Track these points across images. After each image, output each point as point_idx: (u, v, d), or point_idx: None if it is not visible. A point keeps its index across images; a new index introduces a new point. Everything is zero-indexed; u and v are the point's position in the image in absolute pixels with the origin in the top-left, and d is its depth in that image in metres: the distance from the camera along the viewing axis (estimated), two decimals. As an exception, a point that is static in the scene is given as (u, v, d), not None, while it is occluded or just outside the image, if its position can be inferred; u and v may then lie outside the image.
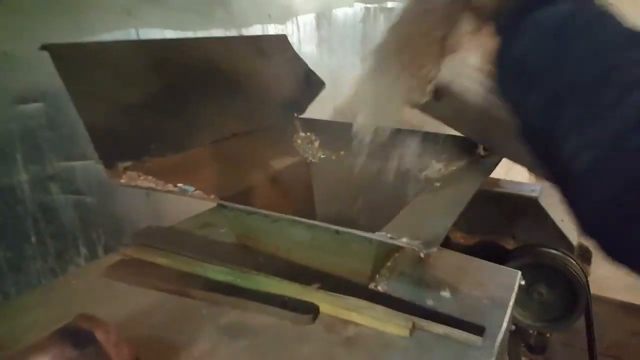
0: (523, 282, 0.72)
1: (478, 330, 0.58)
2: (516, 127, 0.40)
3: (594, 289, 1.06)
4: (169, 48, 0.85)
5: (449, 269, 0.74)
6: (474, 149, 0.85)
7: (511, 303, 0.66)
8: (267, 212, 0.63)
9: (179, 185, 0.74)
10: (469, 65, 0.53)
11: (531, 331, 1.15)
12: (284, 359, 0.57)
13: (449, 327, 0.59)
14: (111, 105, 0.73)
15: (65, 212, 0.87)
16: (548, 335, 1.19)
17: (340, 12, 1.67)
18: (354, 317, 0.62)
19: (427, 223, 0.58)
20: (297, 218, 0.62)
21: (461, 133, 0.81)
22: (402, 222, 0.63)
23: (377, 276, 0.72)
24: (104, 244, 0.95)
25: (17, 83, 0.77)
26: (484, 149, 0.85)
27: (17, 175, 0.79)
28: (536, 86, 0.37)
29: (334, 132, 1.01)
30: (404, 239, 0.53)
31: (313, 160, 1.03)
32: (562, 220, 1.17)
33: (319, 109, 1.10)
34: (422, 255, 0.52)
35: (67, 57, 0.68)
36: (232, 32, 1.13)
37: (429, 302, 0.66)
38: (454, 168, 0.85)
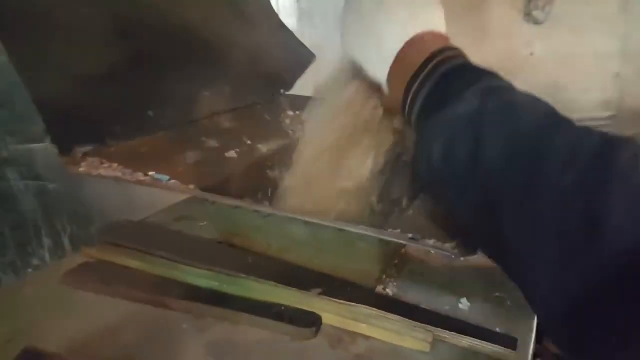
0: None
1: (509, 342, 0.50)
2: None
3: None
4: (137, 7, 0.72)
5: (463, 264, 0.66)
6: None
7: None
8: (260, 207, 0.52)
9: (151, 173, 0.63)
10: None
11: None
12: (284, 384, 0.48)
13: (475, 340, 0.50)
14: (65, 76, 0.61)
15: (25, 200, 0.78)
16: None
17: (322, -17, 1.55)
18: (363, 329, 0.53)
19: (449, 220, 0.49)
20: (293, 215, 0.53)
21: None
22: (419, 217, 0.54)
23: (384, 276, 0.63)
24: (70, 235, 0.86)
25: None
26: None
27: (-33, 159, 0.67)
28: (467, 190, 0.36)
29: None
30: (431, 242, 0.44)
31: (304, 142, 0.92)
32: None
33: (297, 87, 1.00)
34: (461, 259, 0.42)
35: (8, 18, 0.55)
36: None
37: (446, 308, 0.57)
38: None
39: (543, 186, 0.30)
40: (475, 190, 0.35)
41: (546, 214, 0.30)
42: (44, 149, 0.76)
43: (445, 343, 0.52)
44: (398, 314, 0.54)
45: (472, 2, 0.70)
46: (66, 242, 0.85)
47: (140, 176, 0.62)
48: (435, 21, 0.46)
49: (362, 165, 0.57)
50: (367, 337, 0.53)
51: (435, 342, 0.51)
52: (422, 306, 0.58)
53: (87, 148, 0.63)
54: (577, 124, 0.33)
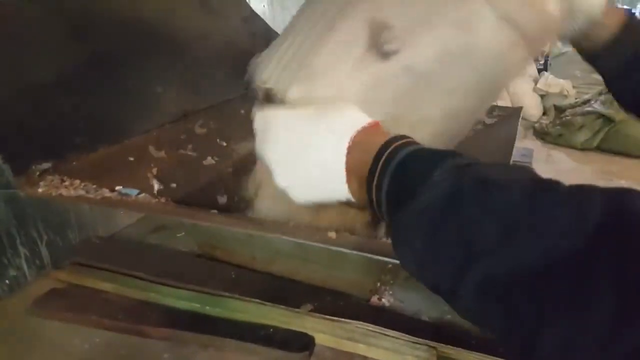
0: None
1: (520, 355, 0.46)
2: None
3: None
4: (94, 4, 0.65)
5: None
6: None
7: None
8: (251, 230, 0.47)
9: (118, 188, 0.57)
10: None
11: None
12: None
13: (483, 355, 0.46)
14: (14, 86, 0.55)
15: None
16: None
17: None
18: (360, 349, 0.49)
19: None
20: (278, 235, 0.48)
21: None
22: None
23: (379, 284, 0.59)
24: (47, 242, 0.80)
25: None
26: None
27: None
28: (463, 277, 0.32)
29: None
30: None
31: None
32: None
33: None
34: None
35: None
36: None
37: (448, 317, 0.53)
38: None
39: (547, 262, 0.28)
40: (474, 276, 0.31)
41: (557, 293, 0.27)
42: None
43: (450, 359, 0.48)
44: (397, 329, 0.50)
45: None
46: (43, 250, 0.80)
47: (105, 192, 0.56)
48: (358, 117, 0.45)
49: None
50: (365, 358, 0.49)
51: (439, 358, 0.47)
52: (423, 317, 0.53)
53: (46, 165, 0.57)
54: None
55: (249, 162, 0.67)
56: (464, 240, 0.32)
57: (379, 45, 0.49)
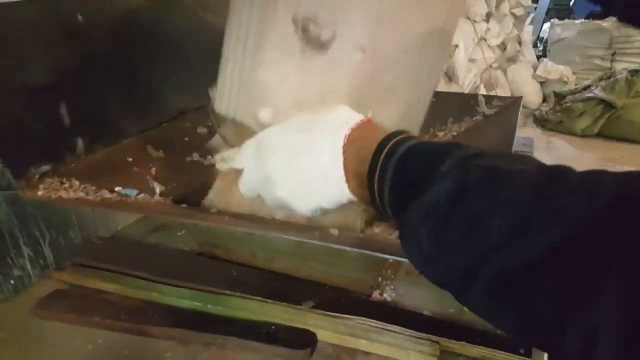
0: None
1: (523, 347, 0.46)
2: None
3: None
4: (89, 6, 0.64)
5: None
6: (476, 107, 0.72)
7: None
8: (237, 226, 0.47)
9: (117, 189, 0.57)
10: None
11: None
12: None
13: (486, 348, 0.46)
14: (10, 88, 0.54)
15: None
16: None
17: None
18: (363, 344, 0.49)
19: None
20: (279, 234, 0.48)
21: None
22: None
23: (380, 279, 0.59)
24: (50, 242, 0.80)
25: None
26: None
27: None
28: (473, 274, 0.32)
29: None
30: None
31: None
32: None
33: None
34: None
35: None
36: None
37: (451, 311, 0.53)
38: (455, 134, 0.71)
39: (559, 255, 0.27)
40: (486, 272, 0.31)
41: (572, 285, 0.27)
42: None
43: (454, 354, 0.48)
44: (399, 324, 0.50)
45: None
46: (46, 249, 0.81)
47: (105, 193, 0.56)
48: (349, 115, 0.45)
49: None
50: (367, 354, 0.49)
51: (442, 353, 0.47)
52: (425, 312, 0.53)
53: (45, 168, 0.57)
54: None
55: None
56: (474, 235, 0.32)
57: (314, 39, 0.49)
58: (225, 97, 0.52)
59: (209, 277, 0.59)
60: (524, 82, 3.34)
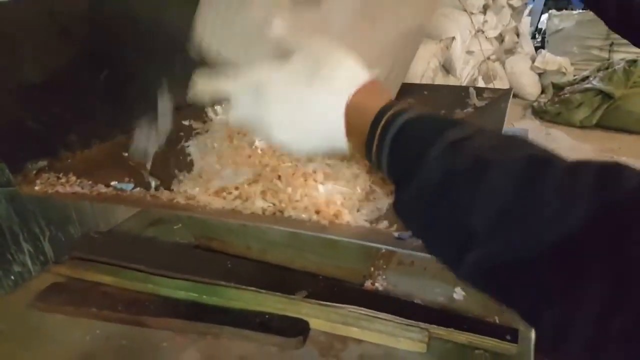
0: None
1: (510, 334, 0.47)
2: None
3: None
4: (82, 5, 0.65)
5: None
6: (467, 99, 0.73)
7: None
8: (235, 219, 0.48)
9: (113, 183, 0.58)
10: None
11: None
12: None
13: (473, 335, 0.48)
14: (6, 86, 0.55)
15: None
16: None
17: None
18: (354, 332, 0.50)
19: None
20: (274, 225, 0.49)
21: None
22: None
23: (372, 269, 0.60)
24: (50, 237, 0.81)
25: None
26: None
27: None
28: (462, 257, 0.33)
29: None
30: (420, 241, 0.40)
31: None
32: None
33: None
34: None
35: None
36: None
37: (441, 299, 0.55)
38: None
39: (540, 248, 0.28)
40: (470, 259, 0.32)
41: (551, 278, 0.28)
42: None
43: (442, 340, 0.49)
44: (390, 312, 0.51)
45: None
46: (46, 245, 0.82)
47: (101, 188, 0.57)
48: (356, 72, 0.44)
49: None
50: (359, 341, 0.50)
51: (431, 339, 0.49)
52: (415, 300, 0.54)
53: (41, 163, 0.58)
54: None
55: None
56: (458, 223, 0.32)
57: None
58: (210, 32, 0.52)
59: (204, 269, 0.60)
60: (522, 73, 3.34)
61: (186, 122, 0.73)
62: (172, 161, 0.63)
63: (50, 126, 0.59)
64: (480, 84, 2.74)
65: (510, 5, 3.09)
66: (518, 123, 2.96)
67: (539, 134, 2.77)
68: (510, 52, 3.41)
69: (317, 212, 0.50)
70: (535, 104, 3.18)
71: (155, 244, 0.69)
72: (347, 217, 0.50)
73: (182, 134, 0.70)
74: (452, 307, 0.53)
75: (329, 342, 0.50)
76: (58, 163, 0.58)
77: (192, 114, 0.75)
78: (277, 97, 0.46)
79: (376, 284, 0.58)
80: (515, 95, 3.19)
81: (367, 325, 0.50)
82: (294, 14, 0.50)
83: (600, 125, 2.83)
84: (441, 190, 0.34)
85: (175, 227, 0.72)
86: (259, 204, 0.52)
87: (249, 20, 0.50)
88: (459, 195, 0.33)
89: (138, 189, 0.58)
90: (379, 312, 0.51)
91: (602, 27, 3.67)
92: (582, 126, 2.86)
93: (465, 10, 2.49)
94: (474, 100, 0.74)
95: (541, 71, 3.44)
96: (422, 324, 0.49)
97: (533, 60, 3.47)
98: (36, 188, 0.55)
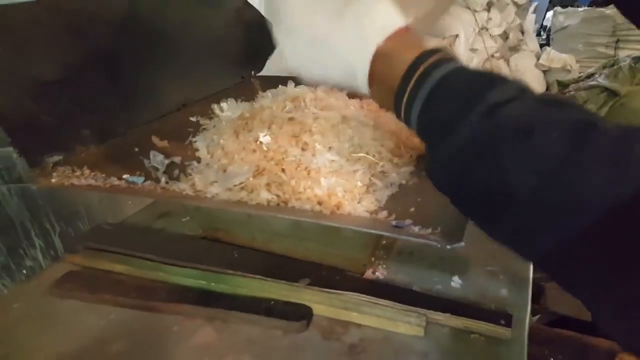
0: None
1: (504, 319, 0.50)
2: None
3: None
4: (91, 4, 0.67)
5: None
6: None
7: (530, 275, 0.58)
8: (242, 208, 0.51)
9: (125, 176, 0.61)
10: None
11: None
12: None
13: (469, 320, 0.50)
14: (22, 85, 0.58)
15: (10, 203, 0.77)
16: (543, 283, 1.15)
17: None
18: (355, 317, 0.53)
19: (438, 201, 0.48)
20: (276, 214, 0.51)
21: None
22: (403, 200, 0.52)
23: (373, 259, 0.62)
24: (60, 233, 0.85)
25: None
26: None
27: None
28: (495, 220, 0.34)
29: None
30: (416, 229, 0.43)
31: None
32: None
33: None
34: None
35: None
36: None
37: (438, 287, 0.57)
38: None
39: (584, 213, 0.28)
40: (503, 227, 0.32)
41: (594, 239, 0.28)
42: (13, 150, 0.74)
43: (439, 325, 0.51)
44: (389, 299, 0.53)
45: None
46: (57, 240, 0.85)
47: (114, 181, 0.59)
48: (389, 18, 0.41)
49: None
50: (359, 326, 0.52)
51: (429, 324, 0.51)
52: (414, 288, 0.57)
53: (57, 157, 0.61)
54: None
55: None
56: (498, 184, 0.32)
57: None
58: None
59: (212, 259, 0.62)
60: (527, 71, 3.34)
61: (193, 119, 0.76)
62: (181, 156, 0.66)
63: (65, 122, 0.62)
64: (485, 81, 2.73)
65: (515, 3, 3.09)
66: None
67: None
68: (514, 49, 3.41)
69: (320, 203, 0.53)
70: (539, 101, 3.18)
71: (165, 235, 0.72)
72: (347, 208, 0.52)
73: (190, 129, 0.72)
74: (450, 294, 0.55)
75: (330, 326, 0.53)
76: (73, 157, 0.61)
77: (199, 110, 0.78)
78: (299, 22, 0.43)
79: (377, 273, 0.60)
80: (519, 93, 3.18)
81: (367, 310, 0.52)
82: None
83: (606, 123, 2.83)
84: (483, 152, 0.33)
85: (183, 219, 0.75)
86: (264, 196, 0.54)
87: None
88: (502, 156, 0.31)
89: (148, 182, 0.61)
90: (378, 299, 0.53)
91: (608, 24, 3.67)
92: (587, 123, 2.85)
93: (469, 8, 2.50)
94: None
95: (546, 68, 3.43)
96: (420, 310, 0.52)
97: (538, 58, 3.47)
98: (53, 180, 0.58)
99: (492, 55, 2.87)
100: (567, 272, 0.30)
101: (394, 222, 0.46)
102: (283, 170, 0.57)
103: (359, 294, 0.54)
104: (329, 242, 0.59)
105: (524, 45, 3.49)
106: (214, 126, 0.74)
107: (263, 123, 0.65)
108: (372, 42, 0.40)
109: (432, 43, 0.40)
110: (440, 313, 0.51)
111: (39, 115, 0.59)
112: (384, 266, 0.61)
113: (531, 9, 3.62)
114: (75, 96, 0.62)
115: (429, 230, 0.43)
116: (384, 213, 0.50)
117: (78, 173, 0.60)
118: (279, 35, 0.45)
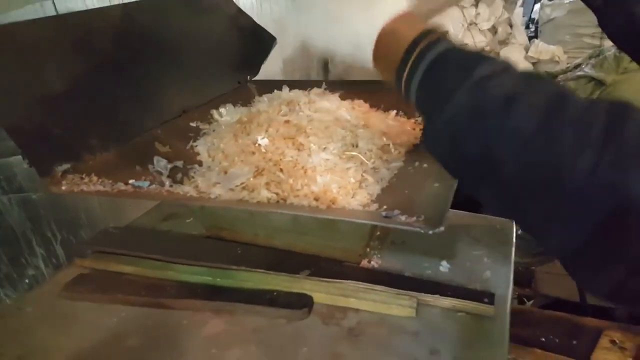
0: (520, 232, 0.68)
1: (487, 297, 0.54)
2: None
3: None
4: (93, 20, 0.71)
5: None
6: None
7: (512, 258, 0.62)
8: (245, 206, 0.54)
9: (131, 181, 0.64)
10: None
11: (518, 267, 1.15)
12: (284, 366, 0.51)
13: (456, 299, 0.54)
14: (31, 97, 0.61)
15: (11, 213, 0.78)
16: (533, 267, 1.20)
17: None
18: (352, 303, 0.57)
19: (424, 192, 0.52)
20: (271, 209, 0.55)
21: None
22: (393, 193, 0.56)
23: (368, 249, 0.66)
24: (62, 241, 0.86)
25: None
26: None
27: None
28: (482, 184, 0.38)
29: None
30: (403, 218, 0.47)
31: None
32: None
33: (265, 64, 0.99)
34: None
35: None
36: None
37: (428, 272, 0.61)
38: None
39: (562, 178, 0.31)
40: (489, 187, 0.36)
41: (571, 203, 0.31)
42: (23, 160, 0.76)
43: (429, 306, 0.55)
44: (383, 285, 0.57)
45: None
46: (58, 248, 0.86)
47: (121, 186, 0.63)
48: (394, 6, 0.47)
49: None
50: (356, 310, 0.56)
51: (420, 306, 0.55)
52: (406, 274, 0.61)
53: (66, 166, 0.64)
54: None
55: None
56: (484, 152, 0.35)
57: None
58: None
59: (217, 256, 0.66)
60: (517, 63, 3.33)
61: (193, 124, 0.80)
62: (183, 160, 0.69)
63: (73, 132, 0.65)
64: (474, 75, 2.77)
65: (502, -3, 3.13)
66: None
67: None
68: (503, 43, 3.45)
69: (316, 199, 0.57)
70: (529, 93, 3.22)
71: (170, 236, 0.76)
72: (342, 202, 0.56)
73: (191, 134, 0.76)
74: (438, 278, 0.59)
75: (330, 312, 0.57)
76: (81, 165, 0.64)
77: (199, 116, 0.81)
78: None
79: (372, 262, 0.64)
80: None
81: (364, 296, 0.56)
82: None
83: (594, 112, 2.87)
84: (471, 119, 0.36)
85: (187, 220, 0.79)
86: (264, 194, 0.58)
87: None
88: (487, 127, 0.35)
89: (153, 185, 0.64)
90: (373, 285, 0.57)
91: (593, 15, 3.71)
92: (575, 113, 2.90)
93: (457, 5, 2.54)
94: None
95: (535, 60, 3.48)
96: (411, 293, 0.56)
97: (527, 50, 3.52)
98: (63, 188, 0.61)
99: (482, 50, 2.91)
100: (545, 230, 0.34)
101: (384, 213, 0.50)
102: (281, 170, 0.61)
103: (356, 282, 0.58)
104: (326, 235, 0.63)
105: (513, 38, 3.54)
106: (214, 130, 0.78)
107: (260, 126, 0.69)
108: (379, 20, 0.45)
109: (430, 24, 0.45)
110: (429, 295, 0.55)
111: (48, 126, 0.63)
112: (379, 255, 0.65)
113: (519, 2, 3.67)
114: (81, 106, 0.66)
115: (414, 219, 0.47)
116: (375, 205, 0.54)
117: (86, 180, 0.63)
118: (301, 10, 0.51)
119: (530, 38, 3.80)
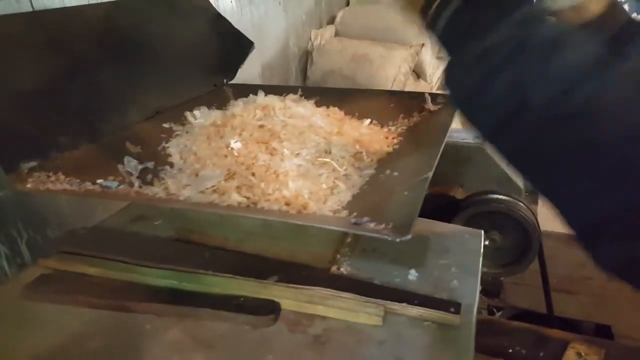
0: (487, 242, 0.69)
1: (454, 307, 0.54)
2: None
3: (541, 225, 1.07)
4: (69, 17, 0.70)
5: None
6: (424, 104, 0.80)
7: (480, 268, 0.63)
8: (215, 209, 0.54)
9: (99, 181, 0.63)
10: None
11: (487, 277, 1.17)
12: (247, 372, 0.50)
13: (423, 309, 0.54)
14: (0, 94, 0.60)
15: None
16: (502, 278, 1.21)
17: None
18: (319, 310, 0.56)
19: (393, 200, 0.52)
20: (245, 214, 0.54)
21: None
22: (363, 200, 0.56)
23: (338, 256, 0.66)
24: (27, 241, 0.84)
25: None
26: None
27: None
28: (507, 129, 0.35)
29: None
30: (372, 225, 0.47)
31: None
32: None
33: (243, 68, 0.99)
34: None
35: None
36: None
37: (397, 280, 0.61)
38: (404, 128, 0.79)
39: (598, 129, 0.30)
40: (517, 132, 0.34)
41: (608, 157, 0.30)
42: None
43: (396, 314, 0.55)
44: (351, 292, 0.57)
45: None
46: (24, 248, 0.84)
47: (88, 185, 0.62)
48: None
49: None
50: (323, 318, 0.56)
51: (387, 314, 0.55)
52: (375, 281, 0.61)
53: (32, 164, 0.62)
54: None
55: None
56: (516, 91, 0.33)
57: None
58: None
59: (185, 259, 0.65)
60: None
61: (166, 125, 0.79)
62: (154, 161, 0.68)
63: (41, 129, 0.64)
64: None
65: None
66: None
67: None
68: None
69: (287, 204, 0.56)
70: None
71: (138, 238, 0.74)
72: (313, 208, 0.56)
73: (163, 136, 0.75)
74: (406, 286, 0.60)
75: (297, 319, 0.56)
76: (48, 163, 0.63)
77: (172, 117, 0.81)
78: None
79: (341, 269, 0.64)
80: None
81: (331, 303, 0.56)
82: None
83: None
84: (511, 55, 0.34)
85: (155, 222, 0.77)
86: (234, 198, 0.58)
87: None
88: (528, 63, 0.33)
89: (122, 186, 0.63)
90: (341, 292, 0.57)
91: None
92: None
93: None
94: (429, 105, 0.81)
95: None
96: (379, 301, 0.56)
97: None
98: (28, 185, 0.60)
99: None
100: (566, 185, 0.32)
101: (353, 220, 0.50)
102: (253, 174, 0.61)
103: (324, 288, 0.58)
104: (297, 240, 0.63)
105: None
106: (187, 132, 0.77)
107: (234, 130, 0.69)
108: None
109: None
110: (397, 303, 0.55)
111: (14, 122, 0.61)
112: (348, 262, 0.65)
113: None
114: (51, 104, 0.65)
115: (383, 226, 0.47)
116: (346, 212, 0.54)
117: (53, 178, 0.62)
118: None
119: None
